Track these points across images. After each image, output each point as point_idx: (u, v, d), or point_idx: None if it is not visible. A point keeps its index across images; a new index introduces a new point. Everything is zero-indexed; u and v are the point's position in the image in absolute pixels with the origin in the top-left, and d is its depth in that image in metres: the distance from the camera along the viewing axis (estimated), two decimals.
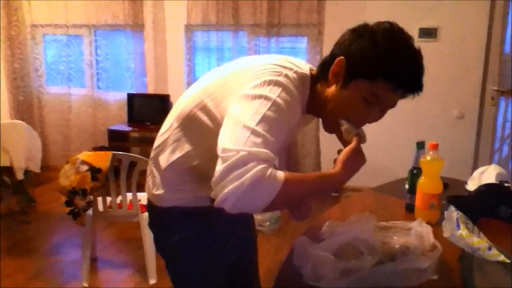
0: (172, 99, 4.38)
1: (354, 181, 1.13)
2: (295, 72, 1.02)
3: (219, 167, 0.83)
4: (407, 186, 1.55)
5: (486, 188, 1.55)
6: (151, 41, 4.41)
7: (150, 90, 4.53)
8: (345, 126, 1.04)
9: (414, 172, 1.51)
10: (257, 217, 3.08)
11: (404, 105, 1.11)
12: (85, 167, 2.39)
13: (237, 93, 0.96)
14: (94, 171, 2.40)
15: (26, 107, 4.90)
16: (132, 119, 4.48)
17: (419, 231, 1.19)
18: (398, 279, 0.98)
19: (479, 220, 1.30)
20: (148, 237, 2.51)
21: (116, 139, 4.35)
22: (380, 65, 0.96)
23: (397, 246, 1.12)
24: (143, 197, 2.50)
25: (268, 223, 3.29)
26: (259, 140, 0.86)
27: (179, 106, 1.11)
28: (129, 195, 2.51)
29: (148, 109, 4.47)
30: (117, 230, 3.31)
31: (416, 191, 1.45)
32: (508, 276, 0.95)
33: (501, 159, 3.47)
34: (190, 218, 1.14)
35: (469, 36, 3.80)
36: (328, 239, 1.14)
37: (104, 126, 4.61)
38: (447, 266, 1.11)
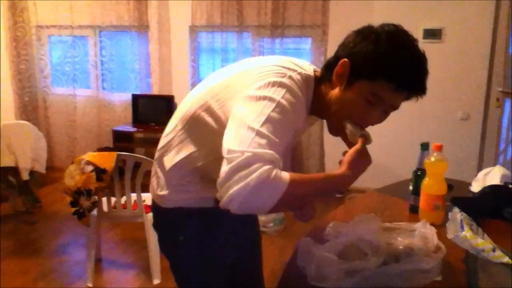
0: (176, 100, 4.39)
1: (359, 182, 1.13)
2: (299, 73, 1.02)
3: (224, 168, 0.84)
4: (411, 187, 1.55)
5: (490, 190, 1.54)
6: (156, 42, 4.43)
7: (155, 91, 4.55)
8: (349, 128, 1.04)
9: (418, 173, 1.50)
10: (261, 218, 3.08)
11: (408, 106, 1.11)
12: (90, 168, 2.41)
13: (242, 94, 0.96)
14: (99, 171, 2.41)
15: (31, 108, 4.93)
16: (137, 120, 4.50)
17: (423, 232, 1.19)
18: (402, 280, 0.98)
19: (483, 221, 1.30)
20: (152, 237, 2.52)
21: (121, 140, 4.37)
22: (380, 65, 0.96)
23: (401, 247, 1.12)
24: (147, 198, 2.50)
25: (272, 224, 3.29)
26: (264, 141, 0.86)
27: (184, 107, 1.12)
28: (134, 196, 2.52)
29: (153, 110, 4.48)
30: (122, 230, 3.33)
31: (420, 193, 1.45)
32: None
33: (506, 160, 3.45)
34: (194, 219, 1.14)
35: (474, 37, 3.78)
36: (332, 240, 1.14)
37: (109, 127, 4.63)
38: (451, 267, 1.11)
